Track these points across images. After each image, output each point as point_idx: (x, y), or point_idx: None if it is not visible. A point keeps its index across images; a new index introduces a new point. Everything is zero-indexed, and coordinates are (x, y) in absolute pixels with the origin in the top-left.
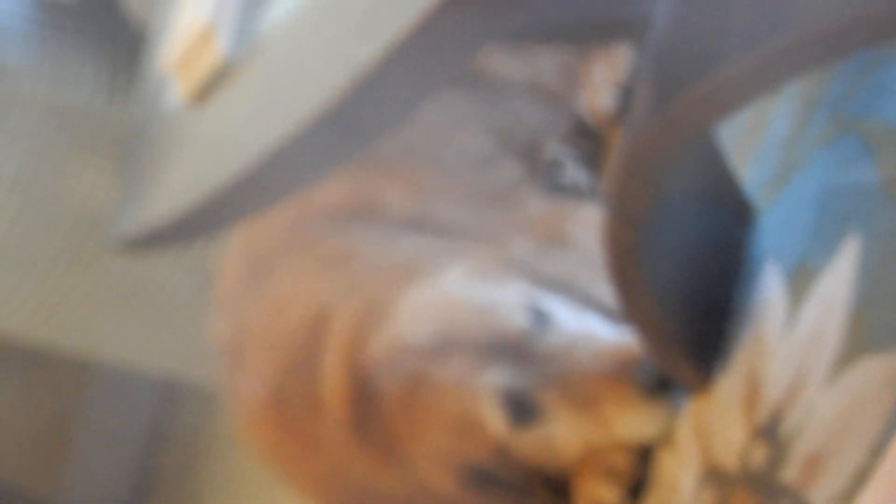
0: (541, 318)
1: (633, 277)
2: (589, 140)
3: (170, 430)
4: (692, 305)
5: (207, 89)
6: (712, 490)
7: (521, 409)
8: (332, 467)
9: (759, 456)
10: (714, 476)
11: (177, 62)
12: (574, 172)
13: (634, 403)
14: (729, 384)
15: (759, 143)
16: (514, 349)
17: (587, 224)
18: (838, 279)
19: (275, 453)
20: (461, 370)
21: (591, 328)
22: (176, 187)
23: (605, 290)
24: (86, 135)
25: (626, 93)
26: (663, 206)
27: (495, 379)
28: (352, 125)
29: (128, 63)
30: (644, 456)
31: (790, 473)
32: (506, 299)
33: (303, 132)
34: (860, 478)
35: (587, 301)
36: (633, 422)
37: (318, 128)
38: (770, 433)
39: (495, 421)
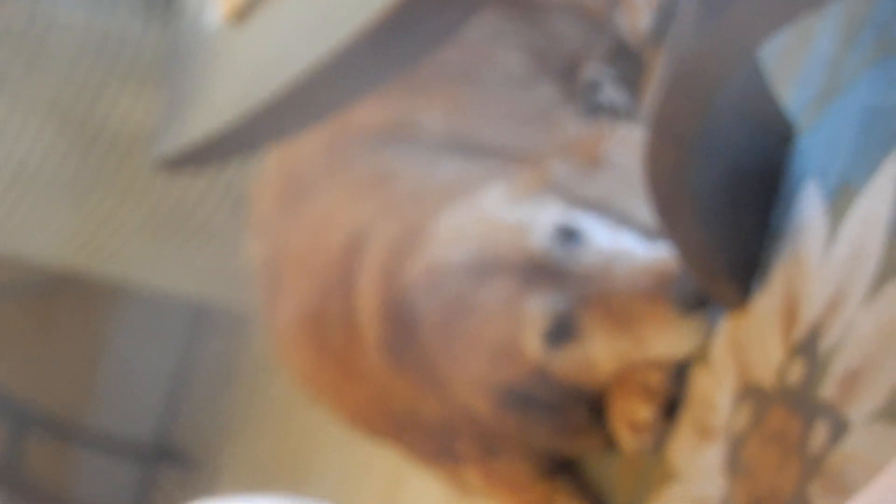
0: (573, 237)
1: (676, 195)
2: (627, 60)
3: (199, 355)
4: (732, 223)
5: (249, 8)
6: (748, 407)
7: (561, 331)
8: (370, 391)
9: (796, 373)
10: (751, 393)
11: None
12: (612, 93)
13: (670, 321)
14: (767, 302)
15: (802, 62)
16: (551, 270)
17: (624, 144)
18: (880, 198)
19: (311, 377)
20: (502, 293)
21: (628, 247)
22: (215, 106)
23: (641, 210)
24: (123, 60)
25: (665, 13)
26: (707, 124)
27: (538, 303)
28: (394, 45)
29: None
30: (679, 374)
31: (828, 390)
32: (539, 220)
33: (343, 52)
34: None
35: (624, 220)
36: (669, 339)
37: (359, 47)
38: (808, 350)
39: (534, 343)
